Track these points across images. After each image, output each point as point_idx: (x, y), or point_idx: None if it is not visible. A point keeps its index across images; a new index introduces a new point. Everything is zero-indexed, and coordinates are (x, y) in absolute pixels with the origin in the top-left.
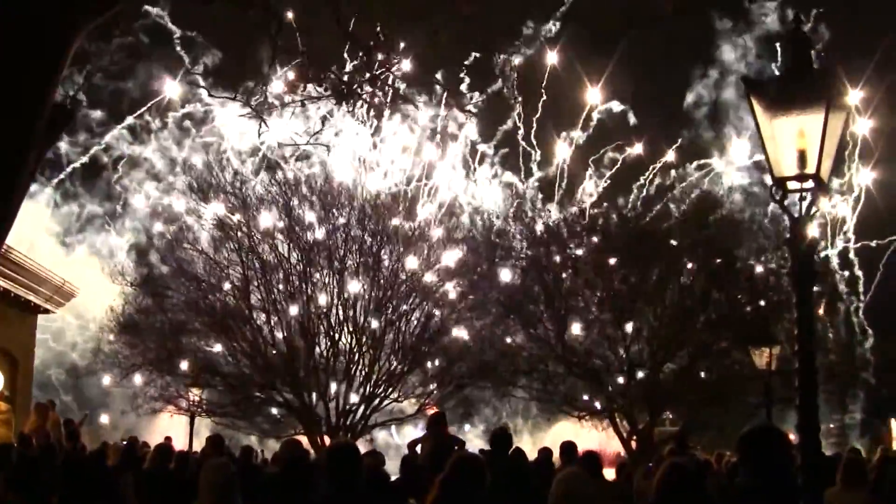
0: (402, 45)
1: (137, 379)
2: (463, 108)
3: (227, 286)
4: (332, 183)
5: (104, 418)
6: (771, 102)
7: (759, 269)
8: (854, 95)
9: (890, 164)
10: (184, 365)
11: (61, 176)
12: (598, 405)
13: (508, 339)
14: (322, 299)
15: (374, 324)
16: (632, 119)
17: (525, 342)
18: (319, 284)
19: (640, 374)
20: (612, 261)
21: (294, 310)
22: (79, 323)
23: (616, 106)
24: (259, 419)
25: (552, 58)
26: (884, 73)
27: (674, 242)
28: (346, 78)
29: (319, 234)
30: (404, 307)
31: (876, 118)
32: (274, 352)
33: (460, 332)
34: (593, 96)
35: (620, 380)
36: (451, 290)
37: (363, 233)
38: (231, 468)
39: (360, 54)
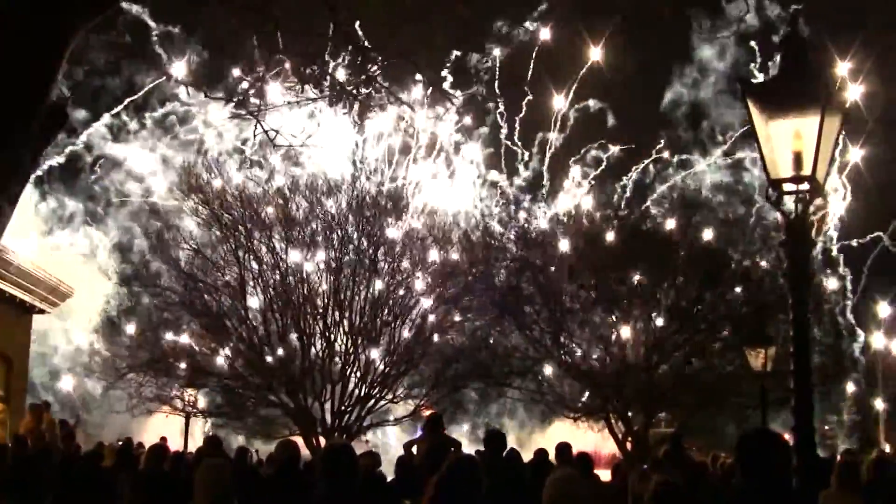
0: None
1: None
2: (450, 99)
3: (222, 283)
4: (326, 182)
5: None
6: (767, 104)
7: (747, 263)
8: (843, 67)
9: (880, 138)
10: (179, 365)
11: (39, 173)
12: (593, 406)
13: (503, 340)
14: (318, 300)
15: (370, 326)
16: (611, 119)
17: (520, 343)
18: (315, 285)
19: (635, 376)
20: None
21: (290, 310)
22: (62, 325)
23: (595, 104)
24: (250, 420)
25: (545, 33)
26: (870, 47)
27: (672, 224)
28: (341, 78)
29: (315, 232)
30: (400, 305)
31: (866, 84)
32: (279, 352)
33: (455, 334)
34: (595, 53)
35: (615, 381)
36: (446, 291)
37: (358, 233)
38: (228, 468)
39: (353, 54)
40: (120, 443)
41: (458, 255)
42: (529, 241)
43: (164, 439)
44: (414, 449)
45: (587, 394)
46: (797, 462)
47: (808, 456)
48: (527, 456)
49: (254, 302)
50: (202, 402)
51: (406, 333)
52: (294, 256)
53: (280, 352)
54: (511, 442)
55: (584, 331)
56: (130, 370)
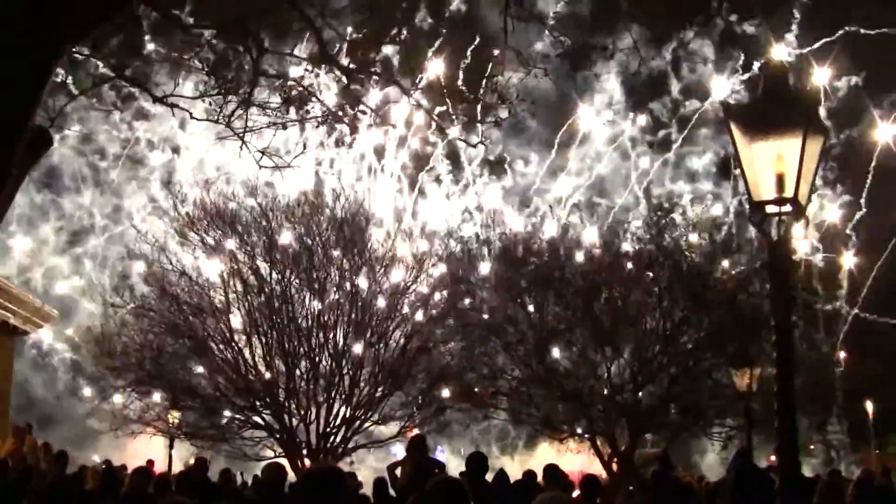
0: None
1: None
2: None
3: (207, 305)
4: (308, 203)
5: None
6: (749, 127)
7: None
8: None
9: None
10: (162, 387)
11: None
12: (579, 428)
13: (489, 361)
14: (302, 322)
15: (355, 347)
16: None
17: (506, 364)
18: (299, 307)
19: (621, 396)
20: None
21: (274, 332)
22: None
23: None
24: (236, 442)
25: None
26: None
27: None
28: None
29: (298, 254)
30: (384, 327)
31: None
32: (264, 373)
33: (440, 355)
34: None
35: (602, 402)
36: (431, 311)
37: (341, 254)
38: None
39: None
40: (104, 465)
41: (443, 274)
42: (515, 262)
43: (150, 462)
44: (398, 471)
45: (573, 414)
46: (780, 482)
47: (792, 476)
48: (514, 477)
49: (238, 324)
50: (186, 424)
51: (390, 354)
52: (278, 278)
53: (265, 373)
54: (497, 463)
55: (570, 351)
56: (115, 390)
